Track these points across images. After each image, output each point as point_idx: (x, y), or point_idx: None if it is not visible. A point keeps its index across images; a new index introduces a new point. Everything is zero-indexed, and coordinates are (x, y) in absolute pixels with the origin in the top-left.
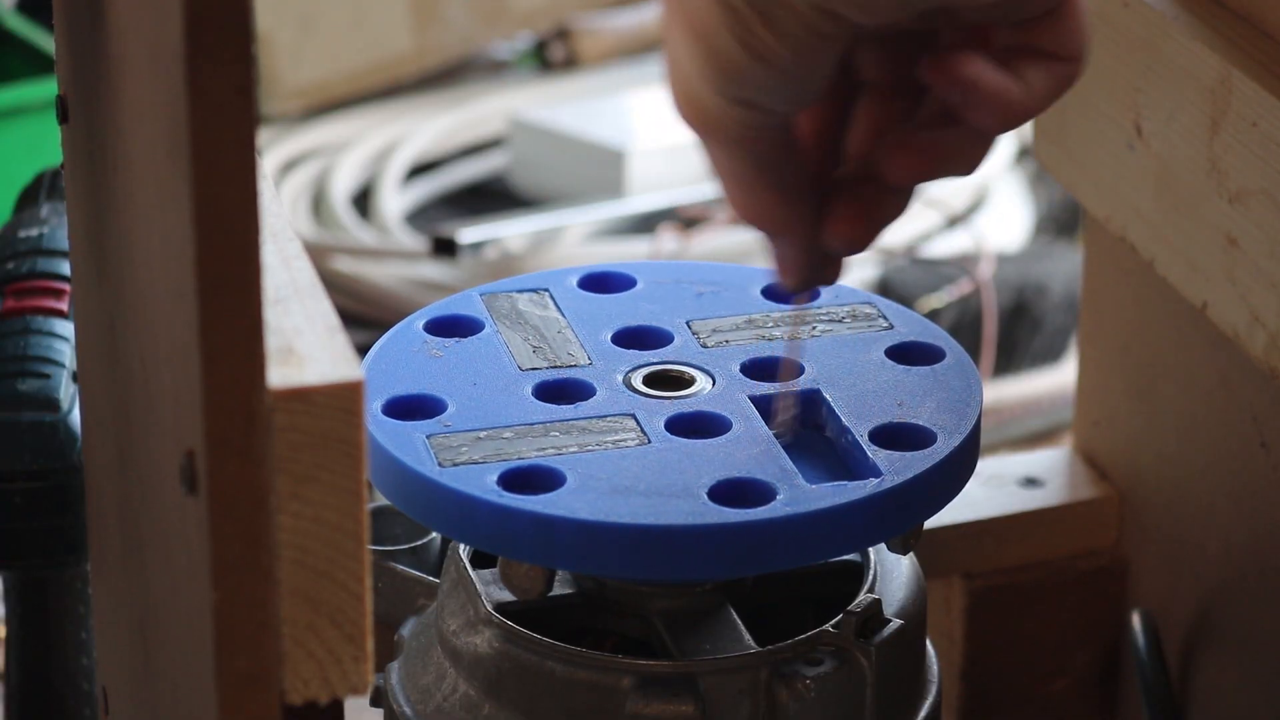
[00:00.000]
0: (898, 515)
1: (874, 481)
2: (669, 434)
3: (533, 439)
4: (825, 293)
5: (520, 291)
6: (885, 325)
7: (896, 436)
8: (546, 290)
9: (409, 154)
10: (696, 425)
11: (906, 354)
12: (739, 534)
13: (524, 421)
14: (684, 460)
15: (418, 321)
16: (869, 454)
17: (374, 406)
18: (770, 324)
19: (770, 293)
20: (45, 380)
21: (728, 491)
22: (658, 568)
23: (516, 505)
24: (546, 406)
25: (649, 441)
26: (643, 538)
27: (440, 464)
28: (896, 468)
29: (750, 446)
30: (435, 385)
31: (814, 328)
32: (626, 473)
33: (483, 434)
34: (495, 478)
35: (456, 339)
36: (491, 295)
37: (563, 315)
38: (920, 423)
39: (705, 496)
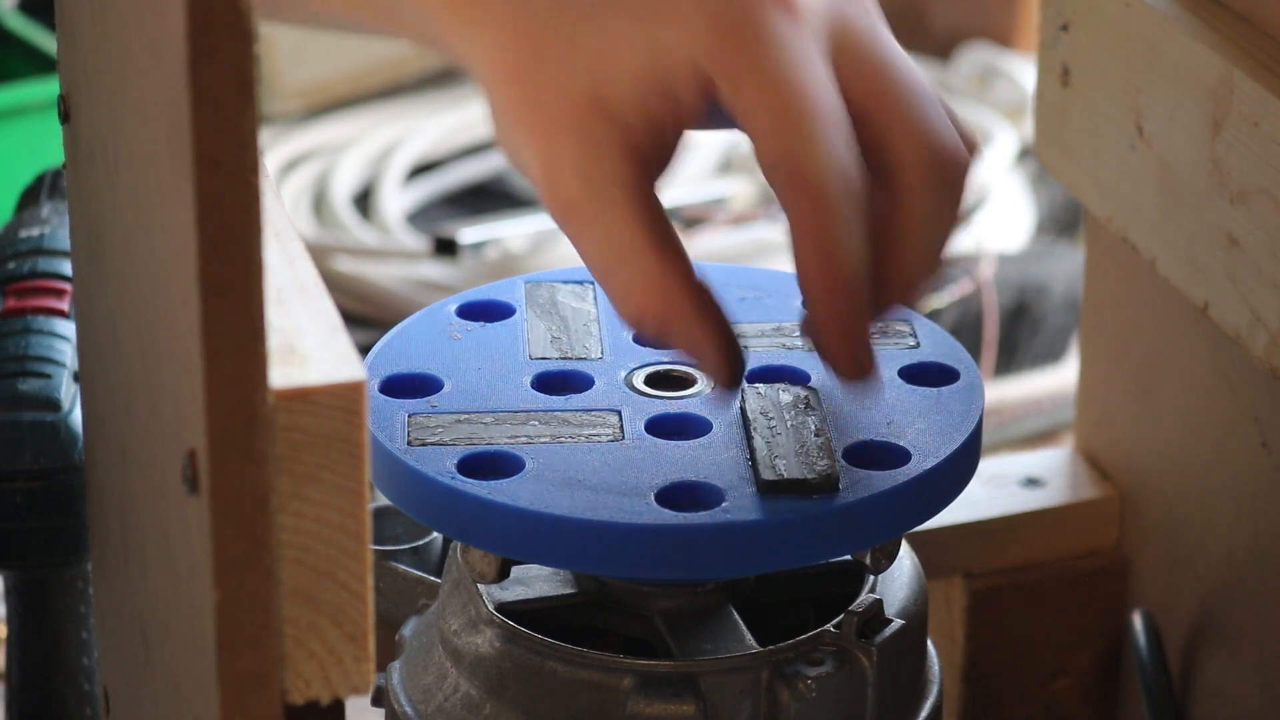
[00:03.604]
0: (847, 533)
1: (825, 497)
2: (645, 433)
3: (510, 426)
4: None
5: (565, 283)
6: (912, 344)
7: (871, 455)
8: (592, 283)
9: (410, 154)
10: (675, 426)
11: (918, 374)
12: (671, 537)
13: (509, 408)
14: (647, 459)
15: (451, 304)
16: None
17: (374, 382)
18: (797, 333)
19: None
20: (46, 380)
21: (676, 494)
22: (590, 562)
23: (462, 488)
24: (539, 396)
25: (623, 438)
26: (575, 531)
27: (410, 442)
28: (856, 486)
29: (720, 451)
30: (440, 366)
31: None
32: (585, 467)
33: (463, 417)
34: (456, 461)
35: (482, 323)
36: (535, 284)
37: (597, 308)
38: (900, 443)
39: (652, 497)
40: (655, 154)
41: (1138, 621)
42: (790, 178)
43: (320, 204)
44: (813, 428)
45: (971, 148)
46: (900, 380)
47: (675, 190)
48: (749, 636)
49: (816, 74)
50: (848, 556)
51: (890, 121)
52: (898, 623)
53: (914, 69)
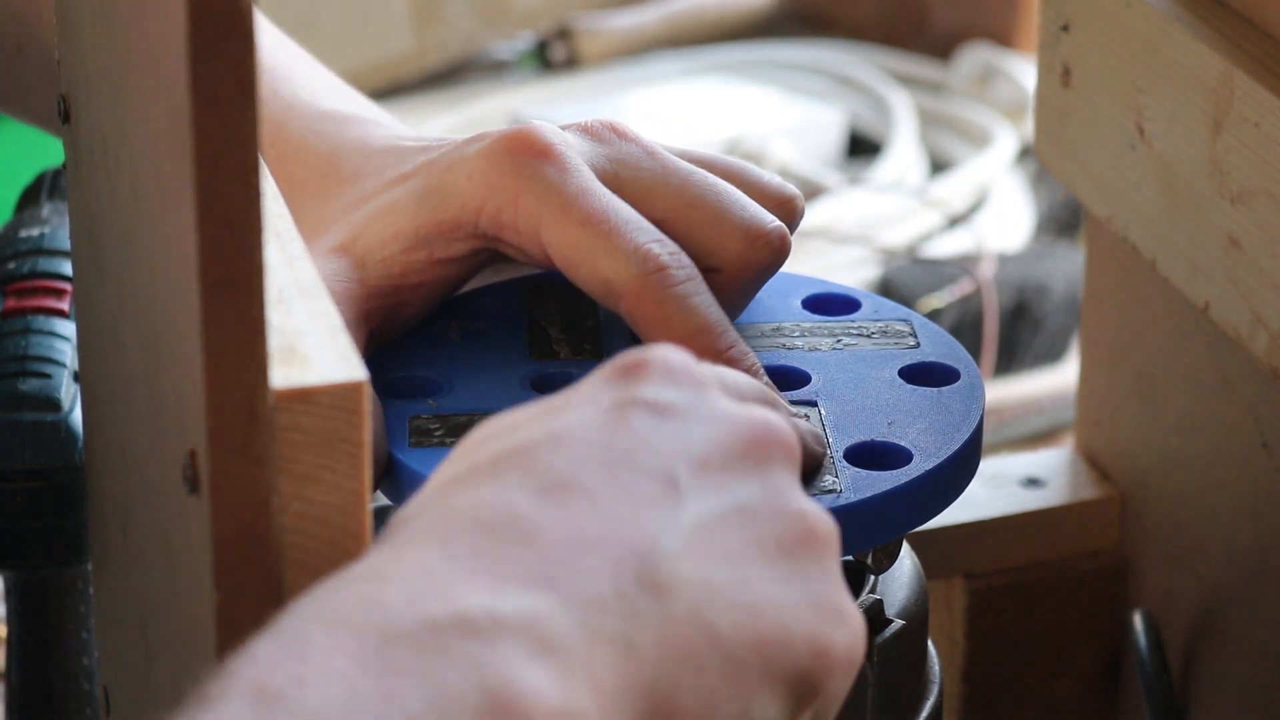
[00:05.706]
0: (847, 533)
1: (826, 497)
2: None
3: None
4: (865, 307)
5: (566, 283)
6: (912, 344)
7: (872, 455)
8: None
9: None
10: None
11: (919, 374)
12: None
13: (509, 409)
14: None
15: (451, 304)
16: (835, 470)
17: (374, 383)
18: (797, 334)
19: (811, 303)
20: (46, 380)
21: None
22: None
23: None
24: (539, 397)
25: None
26: None
27: (410, 443)
28: (857, 486)
29: None
30: (441, 367)
31: (839, 340)
32: None
33: (463, 418)
34: None
35: (482, 323)
36: (535, 284)
37: (596, 308)
38: (901, 443)
39: None
40: None
41: (1138, 621)
42: (605, 292)
43: None
44: None
45: (786, 205)
46: (900, 380)
47: None
48: None
49: (593, 189)
50: (848, 556)
51: (693, 236)
52: (898, 623)
53: (696, 177)
